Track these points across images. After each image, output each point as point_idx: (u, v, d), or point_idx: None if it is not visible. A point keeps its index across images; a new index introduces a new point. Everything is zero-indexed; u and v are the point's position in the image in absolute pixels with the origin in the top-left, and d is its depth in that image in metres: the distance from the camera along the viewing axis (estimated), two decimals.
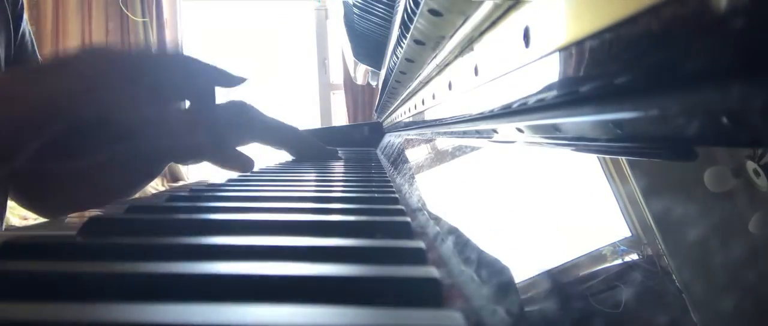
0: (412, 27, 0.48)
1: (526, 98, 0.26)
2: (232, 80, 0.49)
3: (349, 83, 3.29)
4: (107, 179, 0.53)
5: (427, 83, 0.62)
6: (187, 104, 0.50)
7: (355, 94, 3.36)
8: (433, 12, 0.40)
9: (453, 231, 0.29)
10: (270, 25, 3.69)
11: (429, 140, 0.64)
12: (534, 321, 0.19)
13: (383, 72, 1.01)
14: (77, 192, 0.54)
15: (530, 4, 0.24)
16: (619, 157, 0.19)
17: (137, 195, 0.58)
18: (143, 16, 3.37)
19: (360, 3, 1.29)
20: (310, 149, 0.68)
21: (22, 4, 0.68)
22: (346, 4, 1.50)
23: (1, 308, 0.14)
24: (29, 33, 0.69)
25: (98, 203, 0.38)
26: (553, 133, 0.24)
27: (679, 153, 0.16)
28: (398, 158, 0.75)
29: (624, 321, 0.17)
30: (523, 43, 0.25)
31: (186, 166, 3.08)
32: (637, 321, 0.16)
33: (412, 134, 0.81)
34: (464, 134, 0.46)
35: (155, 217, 0.30)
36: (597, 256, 0.19)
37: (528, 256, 0.23)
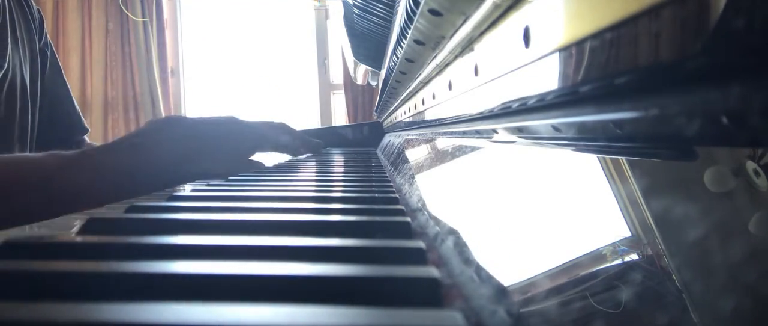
0: (412, 27, 0.48)
1: (526, 98, 0.26)
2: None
3: (349, 83, 3.28)
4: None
5: (427, 83, 0.62)
6: None
7: (355, 94, 3.36)
8: (433, 12, 0.40)
9: (453, 231, 0.29)
10: (270, 25, 3.69)
11: (429, 140, 0.64)
12: (534, 321, 0.19)
13: (383, 72, 1.01)
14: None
15: (530, 4, 0.24)
16: (619, 157, 0.19)
17: None
18: (143, 16, 3.37)
19: (360, 3, 1.29)
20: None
21: (46, 35, 0.71)
22: (346, 4, 1.50)
23: (1, 308, 0.14)
24: (55, 61, 0.73)
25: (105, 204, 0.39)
26: (553, 133, 0.24)
27: (679, 153, 0.16)
28: (398, 158, 0.75)
29: (624, 321, 0.17)
30: (523, 43, 0.25)
31: None
32: (637, 321, 0.16)
33: (412, 134, 0.81)
34: (464, 134, 0.45)
35: (155, 217, 0.30)
36: (597, 256, 0.19)
37: (528, 256, 0.23)
